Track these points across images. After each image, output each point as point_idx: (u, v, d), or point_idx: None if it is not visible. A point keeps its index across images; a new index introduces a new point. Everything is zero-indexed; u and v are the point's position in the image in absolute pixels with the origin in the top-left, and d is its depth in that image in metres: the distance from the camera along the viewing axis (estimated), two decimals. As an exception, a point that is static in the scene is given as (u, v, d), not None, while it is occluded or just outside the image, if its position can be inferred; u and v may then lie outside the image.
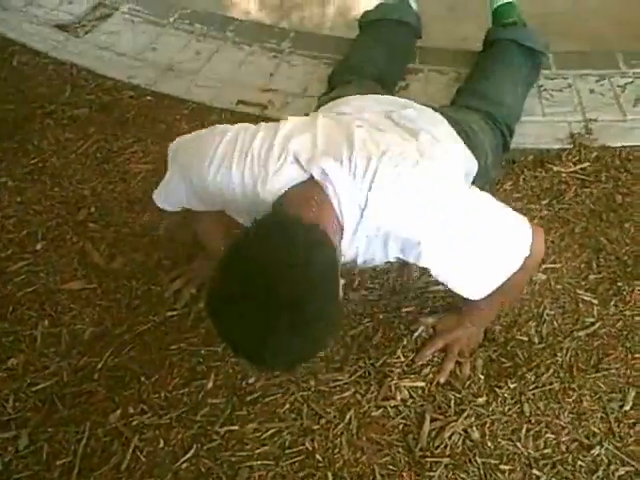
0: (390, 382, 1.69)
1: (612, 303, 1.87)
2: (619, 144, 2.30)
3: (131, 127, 2.39)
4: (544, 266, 1.95)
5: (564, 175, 2.22)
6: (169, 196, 1.64)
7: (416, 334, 1.76)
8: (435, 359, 1.73)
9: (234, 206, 1.49)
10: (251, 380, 1.71)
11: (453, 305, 1.83)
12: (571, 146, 2.29)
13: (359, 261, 1.48)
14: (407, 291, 1.89)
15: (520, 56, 2.31)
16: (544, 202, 2.14)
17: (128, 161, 2.27)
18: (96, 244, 2.03)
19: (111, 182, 2.21)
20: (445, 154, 1.60)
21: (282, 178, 1.38)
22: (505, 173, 2.20)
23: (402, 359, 1.73)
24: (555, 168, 2.23)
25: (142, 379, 1.72)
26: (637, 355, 1.76)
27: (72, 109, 2.47)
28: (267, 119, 2.16)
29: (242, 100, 2.44)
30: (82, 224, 2.08)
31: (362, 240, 1.41)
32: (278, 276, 1.16)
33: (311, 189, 1.35)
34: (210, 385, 1.71)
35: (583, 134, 2.33)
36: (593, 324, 1.83)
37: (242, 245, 1.23)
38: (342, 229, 1.36)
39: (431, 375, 1.70)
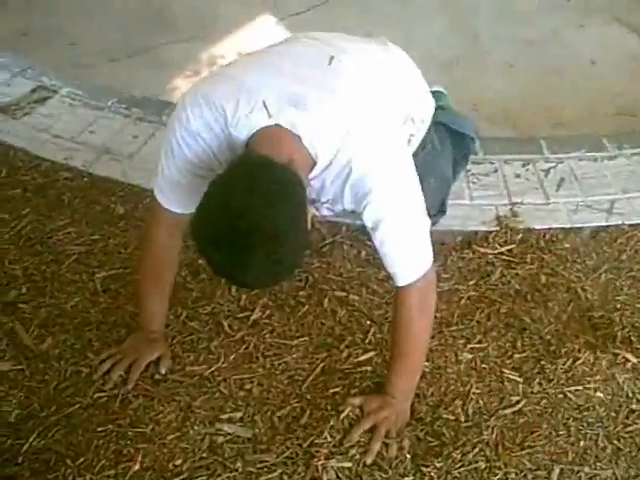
0: (317, 463, 1.68)
1: (536, 381, 1.92)
2: (543, 226, 2.39)
3: (66, 209, 2.40)
4: (470, 346, 2.00)
5: (491, 256, 2.29)
6: (165, 180, 1.76)
7: (343, 415, 1.77)
8: (362, 440, 1.74)
9: (212, 154, 1.67)
10: (178, 462, 1.70)
11: (379, 386, 1.85)
12: (497, 228, 2.37)
13: (322, 199, 1.72)
14: (334, 372, 1.91)
15: (449, 139, 2.40)
16: (471, 283, 2.20)
17: (61, 242, 2.27)
18: (26, 325, 2.01)
19: (43, 263, 2.20)
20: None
21: (252, 123, 1.56)
22: (433, 254, 2.24)
23: (329, 439, 1.73)
24: (482, 250, 2.30)
25: (68, 462, 1.68)
26: (561, 432, 1.80)
27: (7, 190, 2.47)
28: None
29: (177, 182, 2.47)
30: (12, 305, 2.07)
31: (330, 177, 1.63)
32: (253, 215, 1.38)
33: (282, 130, 1.55)
34: (137, 467, 1.69)
35: (509, 217, 2.42)
36: (518, 402, 1.87)
37: (218, 188, 1.44)
38: (313, 165, 1.58)
39: (358, 456, 1.70)
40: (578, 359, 1.97)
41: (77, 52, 3.42)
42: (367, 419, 1.76)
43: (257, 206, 1.39)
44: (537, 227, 2.38)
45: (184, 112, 1.67)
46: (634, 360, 1.98)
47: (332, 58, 1.75)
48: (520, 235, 2.35)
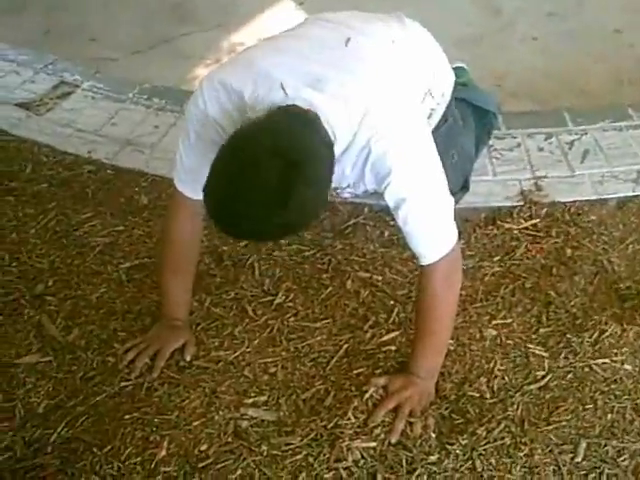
0: (342, 444, 1.69)
1: (562, 356, 1.90)
2: (568, 199, 2.36)
3: (90, 201, 2.42)
4: (494, 322, 1.99)
5: (515, 232, 2.27)
6: (185, 167, 1.79)
7: (367, 395, 1.77)
8: (387, 419, 1.74)
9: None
10: (203, 447, 1.71)
11: (403, 365, 1.84)
12: (522, 203, 2.35)
13: (343, 184, 1.73)
14: (358, 353, 1.91)
15: (471, 115, 2.38)
16: (496, 259, 2.18)
17: (86, 234, 2.30)
18: (53, 317, 2.04)
19: (69, 256, 2.23)
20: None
21: (269, 104, 1.56)
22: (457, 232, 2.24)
23: (354, 420, 1.73)
24: (506, 225, 2.28)
25: (95, 450, 1.71)
26: (587, 406, 1.78)
27: (33, 185, 2.51)
28: None
29: (199, 171, 2.49)
30: (39, 298, 2.10)
31: (350, 161, 1.64)
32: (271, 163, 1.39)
33: (306, 111, 1.53)
34: (163, 453, 1.70)
35: (533, 191, 2.39)
36: (544, 377, 1.85)
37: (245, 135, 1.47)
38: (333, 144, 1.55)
39: (383, 435, 1.71)
40: (605, 332, 1.94)
41: (98, 47, 3.45)
42: (391, 398, 1.76)
43: (277, 158, 1.40)
44: (562, 200, 2.35)
45: (201, 97, 1.69)
46: (662, 331, 1.95)
47: (349, 40, 1.75)
48: (545, 209, 2.32)
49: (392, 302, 2.05)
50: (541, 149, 2.55)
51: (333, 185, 1.63)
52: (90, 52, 3.37)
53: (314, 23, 1.92)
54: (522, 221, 2.29)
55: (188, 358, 1.90)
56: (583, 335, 1.94)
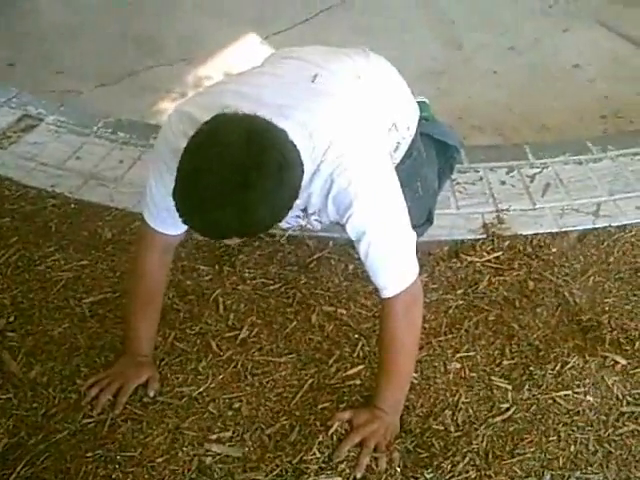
0: (307, 479, 1.68)
1: (525, 388, 1.91)
2: (530, 232, 2.39)
3: (53, 236, 2.40)
4: (458, 355, 2.00)
5: (478, 264, 2.29)
6: (154, 201, 1.77)
7: (332, 430, 1.77)
8: (352, 454, 1.73)
9: None
10: (168, 485, 1.70)
11: (368, 399, 1.84)
12: (484, 236, 2.37)
13: (309, 210, 1.75)
14: (323, 387, 1.91)
15: (433, 149, 2.41)
16: (459, 292, 2.20)
17: (49, 269, 2.27)
18: (14, 353, 2.01)
19: (31, 290, 2.21)
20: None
21: None
22: (420, 265, 2.24)
23: (319, 455, 1.72)
24: (469, 258, 2.30)
25: (56, 490, 1.69)
26: (551, 438, 1.79)
27: (-6, 219, 2.49)
28: None
29: (163, 204, 2.48)
30: (0, 333, 2.07)
31: (315, 191, 1.66)
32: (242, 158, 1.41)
33: None
34: (126, 492, 1.69)
35: (496, 224, 2.42)
36: (508, 409, 1.86)
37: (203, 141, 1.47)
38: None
39: (348, 470, 1.70)
40: (567, 363, 1.96)
41: (64, 79, 3.45)
42: (356, 433, 1.75)
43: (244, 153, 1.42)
44: (524, 233, 2.38)
45: (170, 131, 1.70)
46: (623, 362, 1.97)
47: (315, 76, 1.78)
48: (507, 242, 2.35)
49: (357, 336, 2.05)
50: (503, 182, 2.59)
51: (301, 208, 1.69)
52: (55, 85, 3.38)
53: (281, 59, 1.94)
54: (485, 254, 2.32)
55: (152, 394, 1.88)
56: (546, 367, 1.96)
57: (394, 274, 1.72)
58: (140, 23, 3.87)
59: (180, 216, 1.49)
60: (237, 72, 1.93)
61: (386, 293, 1.72)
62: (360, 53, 2.01)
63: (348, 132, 1.68)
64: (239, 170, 1.41)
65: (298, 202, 1.60)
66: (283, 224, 1.97)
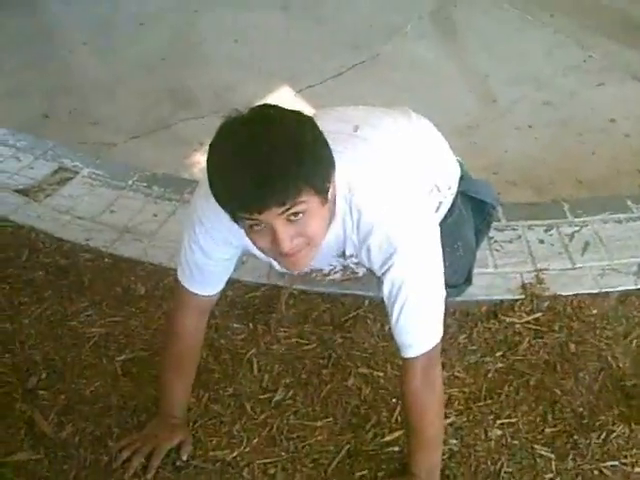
0: None
1: (570, 457, 1.85)
2: (570, 292, 2.33)
3: (87, 290, 2.39)
4: (499, 421, 1.94)
5: (518, 326, 2.24)
6: (189, 263, 1.75)
7: None
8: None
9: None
10: None
11: (406, 467, 1.79)
12: (523, 296, 2.32)
13: (347, 251, 1.71)
14: (360, 453, 1.86)
15: (470, 207, 2.37)
16: (498, 354, 2.15)
17: (82, 325, 2.26)
18: (45, 412, 1.99)
19: (64, 347, 2.19)
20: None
21: None
22: (458, 326, 2.21)
23: (359, 528, 1.67)
24: (508, 319, 2.25)
25: None
26: (598, 512, 1.73)
27: (29, 273, 2.48)
28: None
29: (197, 260, 2.47)
30: (32, 392, 2.05)
31: (349, 231, 1.64)
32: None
33: None
34: None
35: (535, 284, 2.37)
36: (552, 480, 1.80)
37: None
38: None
39: None
40: (612, 432, 1.90)
41: (99, 132, 3.47)
42: None
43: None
44: (564, 293, 2.33)
45: (194, 234, 1.71)
46: (671, 431, 1.91)
47: (357, 127, 1.76)
48: (547, 302, 2.30)
49: (394, 400, 2.00)
50: (541, 241, 2.55)
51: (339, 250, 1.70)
52: (90, 137, 3.39)
53: (322, 114, 1.92)
54: (524, 315, 2.27)
55: (185, 457, 1.84)
56: (590, 436, 1.89)
57: (422, 334, 1.67)
58: (174, 76, 3.90)
59: (229, 188, 1.43)
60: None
61: (409, 352, 1.67)
62: (401, 112, 1.99)
63: (391, 184, 1.65)
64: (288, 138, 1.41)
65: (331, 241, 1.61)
66: (324, 265, 1.95)
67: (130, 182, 2.90)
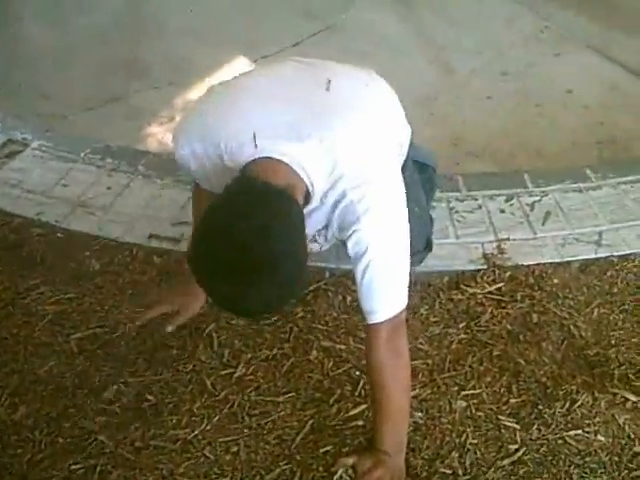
0: (310, 529, 1.60)
1: (534, 427, 1.85)
2: (532, 262, 2.33)
3: (39, 267, 2.31)
4: (464, 392, 1.93)
5: (480, 296, 2.22)
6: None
7: (336, 477, 1.69)
8: (357, 501, 1.65)
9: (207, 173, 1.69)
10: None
11: (371, 441, 1.76)
12: (485, 267, 2.31)
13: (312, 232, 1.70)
14: (325, 428, 1.83)
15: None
16: (461, 325, 2.14)
17: (34, 302, 2.18)
18: (-3, 393, 1.92)
19: (16, 325, 2.12)
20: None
21: (243, 155, 1.53)
22: (420, 297, 2.19)
23: (322, 503, 1.65)
24: (470, 290, 2.24)
25: (43, 541, 1.59)
26: (564, 480, 1.72)
27: (-23, 250, 2.39)
28: (180, 252, 2.17)
29: (154, 234, 2.40)
30: (-17, 372, 1.98)
31: (327, 208, 1.62)
32: (249, 242, 1.35)
33: (274, 161, 1.51)
34: None
35: (496, 254, 2.35)
36: (517, 451, 1.80)
37: (216, 213, 1.42)
38: (309, 193, 1.55)
39: (353, 520, 1.62)
40: (576, 401, 1.90)
41: (50, 104, 3.35)
42: None
43: (253, 233, 1.37)
44: (525, 263, 2.32)
45: (180, 151, 1.68)
46: (633, 399, 1.92)
47: (329, 82, 1.71)
48: (508, 272, 2.29)
49: (357, 373, 1.98)
50: (502, 211, 2.53)
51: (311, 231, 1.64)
52: (41, 109, 3.28)
53: (291, 65, 1.86)
54: (486, 285, 2.26)
55: (169, 329, 1.99)
56: (554, 405, 1.89)
57: (386, 299, 1.65)
58: (127, 46, 3.78)
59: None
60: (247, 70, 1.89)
61: (374, 318, 1.64)
62: (365, 71, 1.94)
63: (365, 150, 1.64)
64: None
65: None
66: None
67: (82, 154, 2.80)
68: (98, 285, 2.25)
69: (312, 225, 1.67)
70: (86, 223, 2.48)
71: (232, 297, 1.40)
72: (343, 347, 2.05)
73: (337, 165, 1.57)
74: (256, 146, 1.53)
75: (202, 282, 1.44)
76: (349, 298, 2.20)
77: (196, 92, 3.39)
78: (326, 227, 1.71)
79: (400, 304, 1.66)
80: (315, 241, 1.82)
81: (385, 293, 1.64)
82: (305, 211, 1.56)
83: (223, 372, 1.97)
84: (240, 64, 3.61)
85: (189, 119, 1.73)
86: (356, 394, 1.92)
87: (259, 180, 1.45)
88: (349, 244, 1.61)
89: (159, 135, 3.15)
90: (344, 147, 1.59)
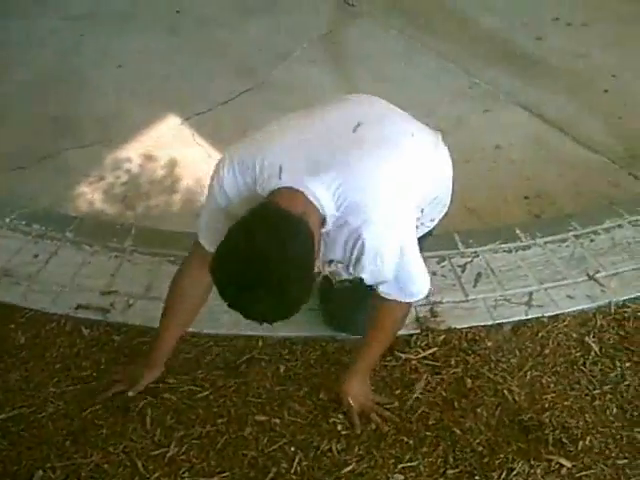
0: None
1: (472, 499, 1.84)
2: (464, 325, 2.35)
3: (-41, 341, 2.23)
4: (400, 465, 1.91)
5: (414, 362, 2.23)
6: (205, 222, 1.94)
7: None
8: None
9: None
10: None
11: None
12: (418, 331, 2.31)
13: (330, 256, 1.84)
14: None
15: None
16: (397, 392, 2.12)
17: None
18: None
19: None
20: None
21: (270, 184, 1.74)
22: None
23: None
24: (404, 355, 2.24)
25: None
26: None
27: None
28: (109, 324, 2.12)
29: (82, 304, 2.34)
30: None
31: (340, 238, 1.77)
32: (267, 255, 1.55)
33: (293, 190, 1.70)
34: None
35: (429, 317, 2.36)
36: (455, 525, 1.78)
37: (238, 229, 1.62)
38: (324, 222, 1.74)
39: None
40: (513, 470, 1.92)
41: (-27, 162, 3.26)
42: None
43: (270, 249, 1.56)
44: (458, 326, 2.34)
45: (222, 171, 1.83)
46: (568, 465, 1.94)
47: (358, 125, 1.84)
48: (442, 336, 2.30)
49: (293, 449, 1.95)
50: (434, 273, 2.54)
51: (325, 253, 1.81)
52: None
53: (339, 103, 2.05)
54: (420, 350, 2.26)
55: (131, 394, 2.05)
56: (492, 475, 1.90)
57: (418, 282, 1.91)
58: (57, 102, 3.70)
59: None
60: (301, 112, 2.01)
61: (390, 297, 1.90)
62: (432, 133, 2.10)
63: (381, 185, 1.77)
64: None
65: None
66: None
67: (7, 220, 2.72)
68: (23, 360, 2.18)
69: (328, 249, 1.81)
70: (11, 293, 2.41)
71: (241, 300, 1.60)
72: (277, 421, 2.02)
73: (347, 203, 1.72)
74: (280, 178, 1.72)
75: (219, 283, 1.62)
76: (282, 368, 2.17)
77: (126, 151, 3.35)
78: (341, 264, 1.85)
79: (412, 296, 1.93)
80: (330, 265, 1.89)
81: (415, 277, 1.89)
82: (322, 232, 1.75)
83: (155, 452, 1.93)
84: (171, 122, 3.59)
85: (239, 145, 1.89)
86: (292, 471, 1.89)
87: (278, 207, 1.64)
88: (364, 277, 1.81)
89: (88, 195, 3.09)
90: (355, 186, 1.73)
